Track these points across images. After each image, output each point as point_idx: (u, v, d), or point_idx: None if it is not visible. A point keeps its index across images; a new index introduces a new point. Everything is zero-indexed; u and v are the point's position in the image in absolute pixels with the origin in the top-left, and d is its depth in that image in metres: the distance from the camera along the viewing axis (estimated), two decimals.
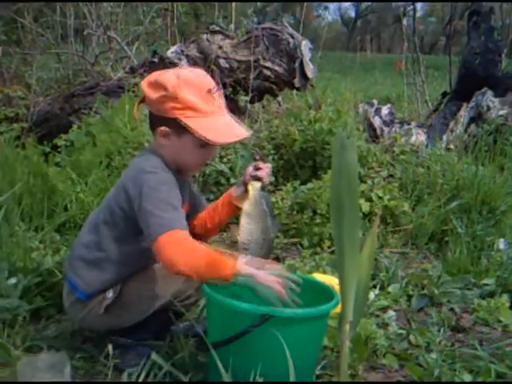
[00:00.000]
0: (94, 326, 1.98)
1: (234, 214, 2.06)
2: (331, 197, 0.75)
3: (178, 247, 1.67)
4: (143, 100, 1.90)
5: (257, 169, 1.97)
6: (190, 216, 2.05)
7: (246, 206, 1.94)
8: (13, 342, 1.97)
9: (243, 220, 1.93)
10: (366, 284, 0.76)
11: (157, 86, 1.81)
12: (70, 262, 1.98)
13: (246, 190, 1.97)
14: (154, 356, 1.70)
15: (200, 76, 1.86)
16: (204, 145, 1.83)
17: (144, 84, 1.85)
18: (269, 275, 1.65)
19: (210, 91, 1.81)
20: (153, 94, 1.81)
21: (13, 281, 2.25)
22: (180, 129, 1.80)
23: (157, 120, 1.86)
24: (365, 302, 0.76)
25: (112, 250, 1.88)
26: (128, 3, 6.54)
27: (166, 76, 1.81)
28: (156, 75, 1.85)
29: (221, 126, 1.82)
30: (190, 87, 1.79)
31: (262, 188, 1.96)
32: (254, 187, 1.95)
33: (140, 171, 1.81)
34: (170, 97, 1.78)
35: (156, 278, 1.88)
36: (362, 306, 0.76)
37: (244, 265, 1.66)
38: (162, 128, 1.84)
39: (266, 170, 1.97)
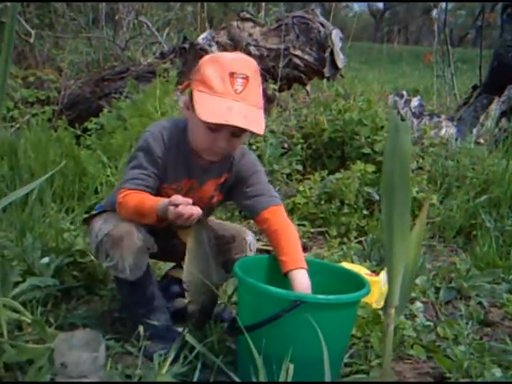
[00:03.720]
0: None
1: None
2: (382, 179, 0.75)
3: (121, 204, 1.87)
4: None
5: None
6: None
7: (189, 243, 1.82)
8: (46, 320, 2.00)
9: (186, 257, 1.83)
10: (413, 269, 0.76)
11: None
12: None
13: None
14: (187, 337, 1.72)
15: (236, 60, 1.82)
16: (213, 128, 1.79)
17: None
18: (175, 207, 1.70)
19: (232, 74, 1.75)
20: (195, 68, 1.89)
21: (45, 260, 2.28)
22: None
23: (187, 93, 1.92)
24: (411, 287, 0.76)
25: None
26: None
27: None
28: None
29: (221, 107, 1.74)
30: (215, 64, 1.78)
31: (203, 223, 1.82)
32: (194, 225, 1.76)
33: (149, 127, 1.98)
34: (198, 68, 1.83)
35: (106, 220, 1.96)
36: (408, 291, 0.76)
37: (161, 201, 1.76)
38: (185, 98, 1.88)
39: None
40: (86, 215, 2.05)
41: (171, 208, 1.69)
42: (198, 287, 1.82)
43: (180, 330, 1.94)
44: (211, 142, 1.83)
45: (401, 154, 0.72)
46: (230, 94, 1.75)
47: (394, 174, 0.73)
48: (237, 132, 1.81)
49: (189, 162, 1.93)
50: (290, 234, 1.96)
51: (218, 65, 1.78)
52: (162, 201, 1.75)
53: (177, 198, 1.70)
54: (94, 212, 2.10)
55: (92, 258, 2.32)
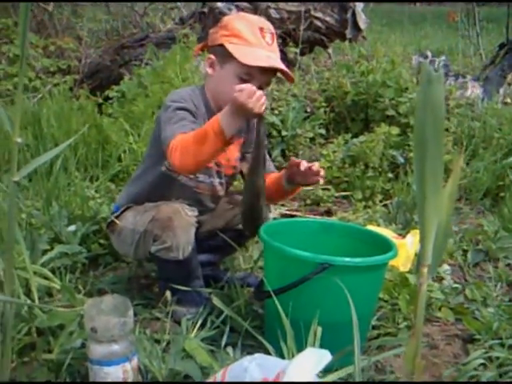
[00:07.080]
0: (115, 247, 2.09)
1: (283, 194, 2.06)
2: (414, 132, 0.72)
3: (175, 148, 1.69)
4: (206, 44, 1.97)
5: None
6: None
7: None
8: (75, 287, 2.02)
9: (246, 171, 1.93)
10: (446, 225, 0.73)
11: (219, 22, 1.91)
12: None
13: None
14: (215, 301, 1.73)
15: (260, 19, 1.93)
16: (245, 79, 1.79)
17: None
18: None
19: (261, 29, 1.84)
20: (212, 30, 1.92)
21: (72, 228, 2.31)
22: (224, 56, 1.83)
23: (208, 53, 1.93)
24: (445, 245, 0.74)
25: (141, 167, 2.07)
26: None
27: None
28: None
29: (260, 55, 1.81)
30: (243, 20, 1.87)
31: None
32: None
33: (168, 97, 1.91)
34: (222, 26, 1.87)
35: (139, 212, 1.93)
36: (441, 249, 0.74)
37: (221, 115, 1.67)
38: (209, 56, 1.89)
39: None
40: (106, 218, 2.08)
41: (238, 94, 1.61)
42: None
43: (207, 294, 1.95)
44: None
45: (434, 105, 0.69)
46: (263, 45, 1.83)
47: (426, 127, 0.70)
48: (263, 85, 1.85)
49: None
50: None
51: (246, 21, 1.86)
52: (220, 112, 1.68)
53: (239, 85, 1.65)
54: (114, 214, 2.02)
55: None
